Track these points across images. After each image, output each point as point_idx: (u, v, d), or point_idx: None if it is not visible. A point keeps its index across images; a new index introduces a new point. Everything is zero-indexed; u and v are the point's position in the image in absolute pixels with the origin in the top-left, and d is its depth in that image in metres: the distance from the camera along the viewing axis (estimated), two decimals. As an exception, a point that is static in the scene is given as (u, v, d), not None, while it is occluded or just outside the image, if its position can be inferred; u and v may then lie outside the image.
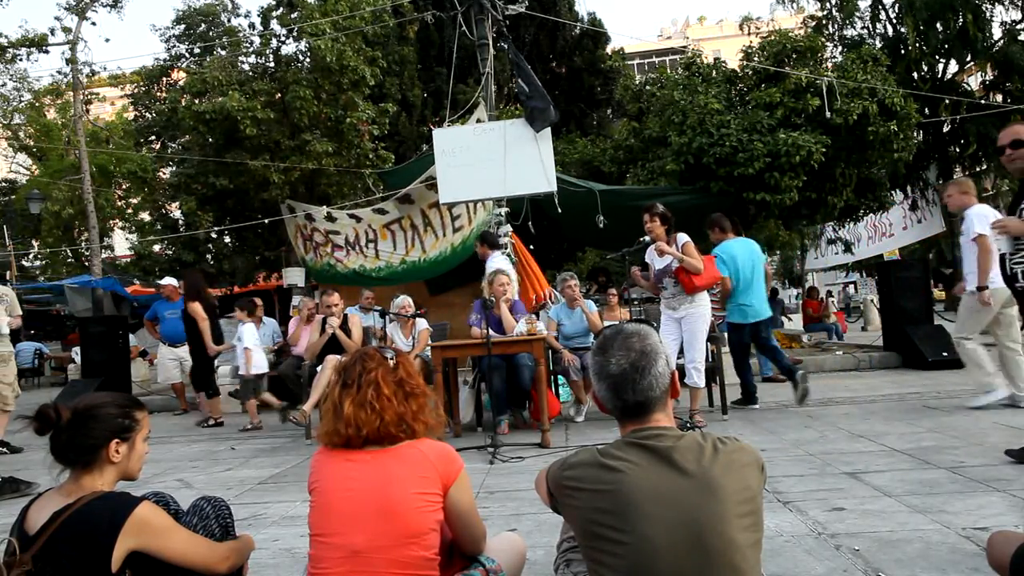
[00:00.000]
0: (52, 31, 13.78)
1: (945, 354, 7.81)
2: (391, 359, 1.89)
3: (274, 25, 11.48)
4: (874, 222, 15.90)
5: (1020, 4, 12.59)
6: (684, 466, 1.45)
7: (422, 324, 6.60)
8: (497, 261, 6.85)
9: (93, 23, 23.31)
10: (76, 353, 12.75)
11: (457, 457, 1.85)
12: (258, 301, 9.01)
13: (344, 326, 6.55)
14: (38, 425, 1.72)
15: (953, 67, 13.27)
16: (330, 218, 10.01)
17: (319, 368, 6.14)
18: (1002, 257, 3.82)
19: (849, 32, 13.49)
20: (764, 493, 1.62)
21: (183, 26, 12.23)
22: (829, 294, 22.24)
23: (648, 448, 1.48)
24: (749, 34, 13.01)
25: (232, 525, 2.01)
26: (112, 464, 1.76)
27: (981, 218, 4.94)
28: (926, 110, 11.75)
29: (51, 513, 1.63)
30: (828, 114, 8.66)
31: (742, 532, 1.41)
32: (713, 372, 6.01)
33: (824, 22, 13.27)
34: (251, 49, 11.83)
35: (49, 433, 1.72)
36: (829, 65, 10.33)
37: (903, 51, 12.39)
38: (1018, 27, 12.51)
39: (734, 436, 1.58)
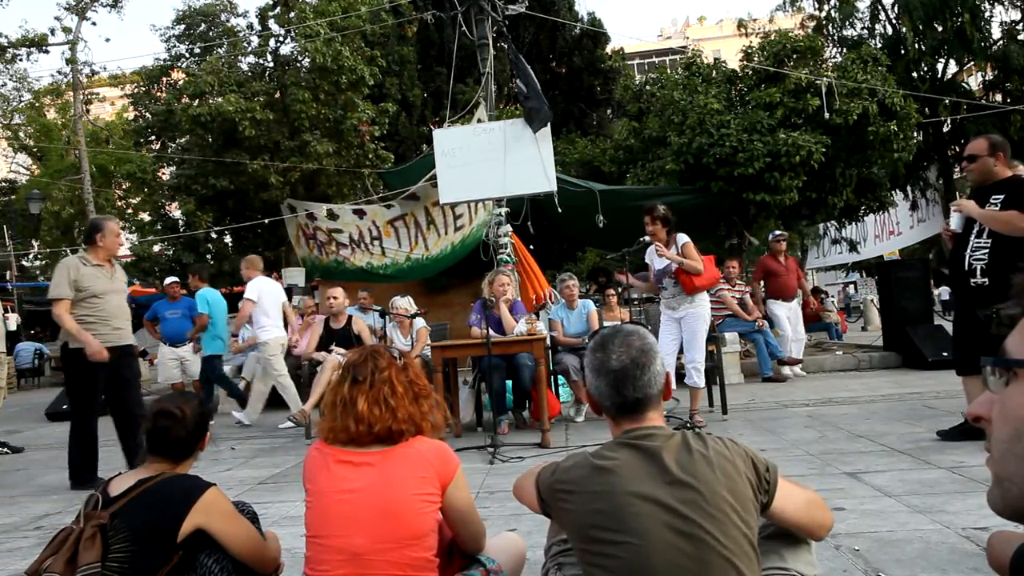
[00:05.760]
0: (52, 31, 13.80)
1: (945, 354, 7.79)
2: (399, 359, 1.90)
3: (272, 25, 11.47)
4: (882, 220, 15.87)
5: (1019, 4, 12.59)
6: (674, 464, 1.46)
7: (420, 324, 6.61)
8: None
9: (93, 23, 23.38)
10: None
11: (454, 455, 1.85)
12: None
13: (348, 327, 6.53)
14: (169, 423, 1.89)
15: (953, 67, 13.27)
16: (331, 216, 10.01)
17: (319, 368, 6.14)
18: (960, 251, 3.98)
19: (849, 32, 13.49)
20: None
21: (183, 26, 12.22)
22: (827, 294, 22.20)
23: (638, 448, 1.50)
24: (747, 35, 12.99)
25: (261, 531, 2.06)
26: (199, 452, 2.01)
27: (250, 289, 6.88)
28: (926, 110, 11.74)
29: (136, 481, 1.81)
30: (828, 114, 8.65)
31: (734, 527, 1.42)
32: (713, 372, 6.01)
33: (824, 23, 13.27)
34: (249, 49, 11.82)
35: (167, 431, 1.89)
36: (829, 65, 10.33)
37: (903, 51, 12.38)
38: (1017, 27, 12.52)
39: (730, 437, 1.58)
